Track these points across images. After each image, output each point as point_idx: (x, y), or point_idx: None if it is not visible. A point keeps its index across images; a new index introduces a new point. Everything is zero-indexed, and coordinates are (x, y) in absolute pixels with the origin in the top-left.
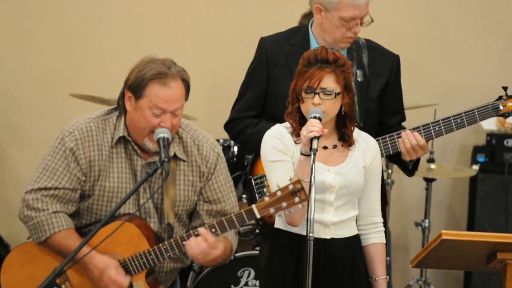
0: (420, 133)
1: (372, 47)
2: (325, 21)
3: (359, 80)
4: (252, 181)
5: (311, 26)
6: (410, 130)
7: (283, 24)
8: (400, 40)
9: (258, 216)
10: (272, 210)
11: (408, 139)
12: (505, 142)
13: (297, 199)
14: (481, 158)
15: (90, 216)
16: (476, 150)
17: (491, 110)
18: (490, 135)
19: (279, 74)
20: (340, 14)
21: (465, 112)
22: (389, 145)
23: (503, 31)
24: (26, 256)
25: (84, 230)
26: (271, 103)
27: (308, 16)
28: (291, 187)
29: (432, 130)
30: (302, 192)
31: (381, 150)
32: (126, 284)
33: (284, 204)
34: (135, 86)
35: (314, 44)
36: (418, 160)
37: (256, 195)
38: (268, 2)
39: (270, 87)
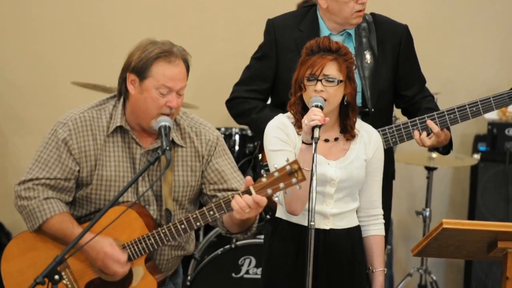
0: (435, 121)
1: (378, 21)
2: (330, 3)
3: (368, 62)
4: (263, 169)
5: (318, 11)
6: (426, 117)
7: (281, 9)
8: None
9: None
10: (269, 191)
11: (422, 141)
12: (506, 131)
13: (294, 180)
14: (482, 147)
15: (89, 205)
16: (477, 139)
17: (507, 99)
18: (492, 124)
19: (289, 60)
20: None
21: (480, 100)
22: (403, 133)
23: (504, 20)
24: (27, 244)
25: (85, 219)
26: (281, 89)
27: (303, 5)
28: (288, 167)
29: (447, 118)
30: (299, 172)
31: (394, 138)
32: (125, 258)
33: (281, 185)
34: (140, 67)
35: (324, 29)
36: (449, 141)
37: None
38: None
39: (280, 73)
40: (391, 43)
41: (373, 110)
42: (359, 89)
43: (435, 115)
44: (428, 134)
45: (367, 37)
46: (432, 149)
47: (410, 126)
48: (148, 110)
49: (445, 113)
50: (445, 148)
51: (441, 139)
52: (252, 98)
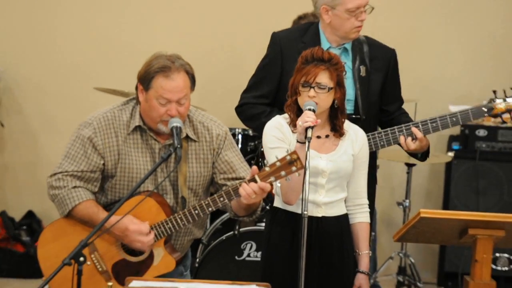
0: (419, 128)
1: (371, 43)
2: (333, 19)
3: (362, 75)
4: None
5: (320, 26)
6: (411, 124)
7: (281, 22)
8: (384, 40)
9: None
10: (272, 178)
11: (407, 145)
12: (477, 132)
13: (294, 168)
14: (455, 146)
15: (114, 194)
16: (452, 139)
17: (484, 111)
18: (464, 126)
19: (292, 69)
20: (346, 7)
21: (460, 112)
22: (391, 138)
23: (477, 33)
24: (59, 231)
25: (110, 207)
26: (284, 95)
27: (298, 21)
28: (288, 157)
29: (429, 126)
30: (298, 161)
31: (382, 142)
32: (147, 228)
33: (283, 172)
34: (144, 79)
35: (324, 42)
36: (427, 150)
37: None
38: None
39: (284, 80)
40: (382, 62)
41: (364, 117)
42: (352, 97)
43: (419, 123)
44: (412, 140)
45: (361, 54)
46: (412, 156)
47: (396, 132)
48: (152, 117)
49: (428, 121)
50: (423, 155)
51: (423, 144)
52: (259, 104)
